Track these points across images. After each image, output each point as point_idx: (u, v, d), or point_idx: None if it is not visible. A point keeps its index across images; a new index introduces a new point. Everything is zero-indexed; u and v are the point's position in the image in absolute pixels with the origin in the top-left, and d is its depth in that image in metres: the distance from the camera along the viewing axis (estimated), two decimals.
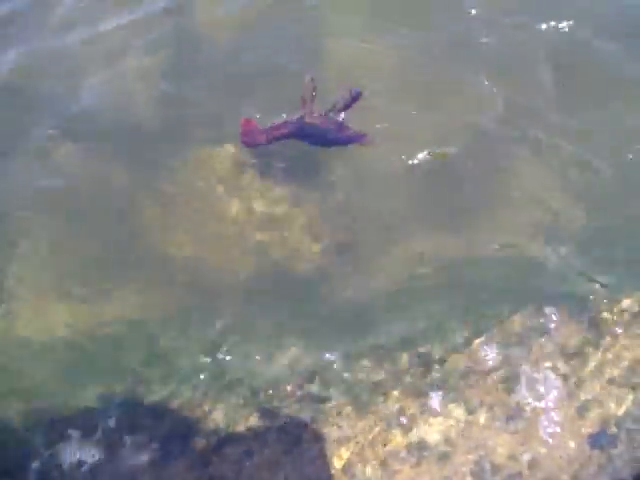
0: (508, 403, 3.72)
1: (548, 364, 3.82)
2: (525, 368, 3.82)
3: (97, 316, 4.12)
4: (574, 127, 4.65)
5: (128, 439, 3.74)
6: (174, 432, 3.77)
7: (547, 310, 3.97)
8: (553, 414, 3.69)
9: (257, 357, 3.95)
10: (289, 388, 3.85)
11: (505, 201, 4.50)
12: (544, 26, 5.15)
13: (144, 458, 3.70)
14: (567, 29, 5.13)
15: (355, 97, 4.54)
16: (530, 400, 3.72)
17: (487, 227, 4.39)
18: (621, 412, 3.68)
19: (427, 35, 5.19)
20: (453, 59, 5.05)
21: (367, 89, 4.59)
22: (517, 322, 3.97)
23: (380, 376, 3.87)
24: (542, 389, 3.75)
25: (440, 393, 3.78)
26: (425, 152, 4.58)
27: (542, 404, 3.71)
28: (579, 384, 3.76)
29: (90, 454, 3.67)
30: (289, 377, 3.89)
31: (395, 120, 4.71)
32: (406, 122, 4.73)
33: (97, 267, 4.30)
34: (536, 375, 3.79)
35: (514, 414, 3.69)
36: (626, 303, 3.98)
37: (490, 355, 3.88)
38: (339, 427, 3.72)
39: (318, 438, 3.69)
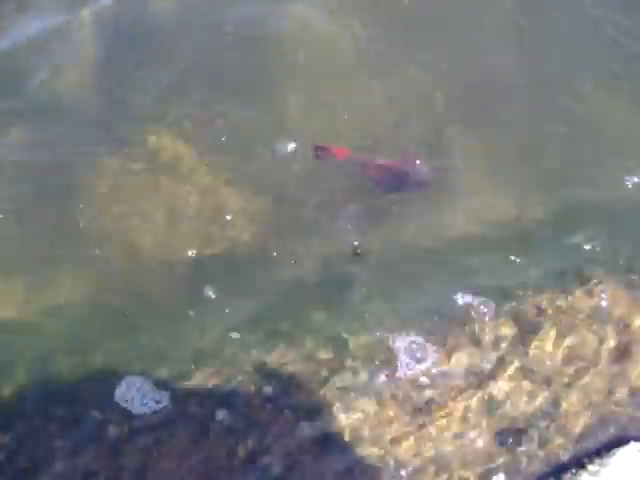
0: (418, 398, 3.67)
1: (461, 358, 3.75)
2: (437, 362, 3.75)
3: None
4: None
5: (40, 426, 3.77)
6: (86, 420, 3.78)
7: (464, 303, 3.88)
8: (462, 410, 3.63)
9: (171, 343, 3.93)
10: (200, 376, 3.83)
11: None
12: None
13: (55, 445, 3.73)
14: None
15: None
16: (440, 395, 3.67)
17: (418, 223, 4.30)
18: (532, 409, 3.61)
19: None
20: None
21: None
22: (435, 314, 3.89)
23: (294, 366, 3.83)
24: (453, 384, 3.69)
25: (351, 385, 3.74)
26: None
27: (453, 399, 3.66)
28: (492, 379, 3.69)
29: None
30: (200, 364, 3.87)
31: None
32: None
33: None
34: (448, 370, 3.73)
35: (423, 409, 3.65)
36: (543, 300, 3.88)
37: (404, 349, 3.81)
38: (247, 417, 3.70)
39: (225, 428, 3.68)
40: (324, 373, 3.77)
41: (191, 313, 3.99)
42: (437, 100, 4.74)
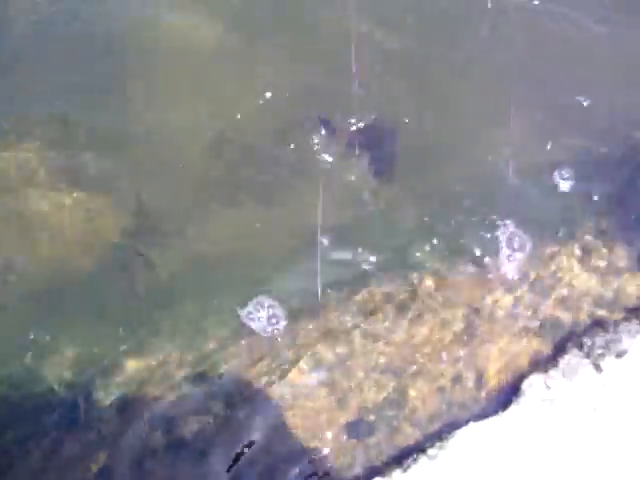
0: (268, 393, 3.67)
1: (312, 350, 3.76)
2: (287, 355, 3.76)
3: None
4: None
5: None
6: None
7: (315, 293, 3.90)
8: (311, 403, 3.64)
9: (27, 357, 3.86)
10: (54, 391, 3.78)
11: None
12: None
13: None
14: None
15: None
16: (290, 388, 3.67)
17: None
18: (381, 399, 3.64)
19: None
20: None
21: None
22: (284, 304, 3.89)
23: (140, 375, 3.79)
24: (303, 377, 3.70)
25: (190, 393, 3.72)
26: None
27: (302, 392, 3.66)
28: (342, 371, 3.71)
29: None
30: (55, 381, 3.81)
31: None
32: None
33: None
34: (299, 363, 3.73)
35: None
36: (391, 289, 3.92)
37: (258, 344, 3.81)
38: (99, 431, 3.66)
39: (78, 442, 3.63)
40: (170, 381, 3.74)
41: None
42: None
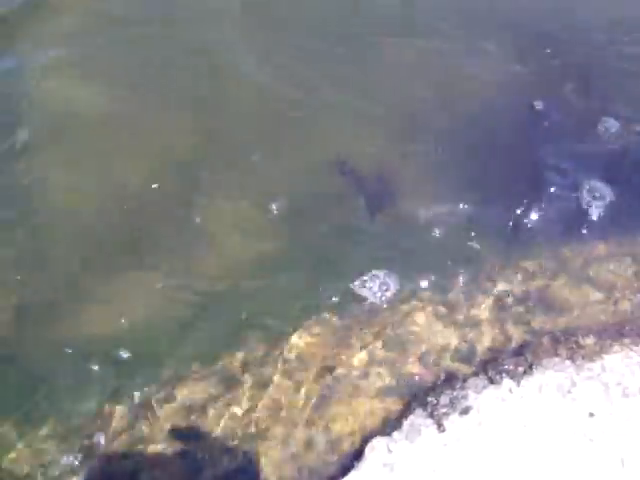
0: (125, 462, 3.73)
1: (176, 424, 3.82)
2: (142, 430, 3.82)
3: None
4: None
5: None
6: None
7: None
8: (166, 473, 3.70)
9: None
10: None
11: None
12: None
13: None
14: None
15: None
16: (146, 458, 3.73)
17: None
18: (233, 466, 3.69)
19: None
20: None
21: None
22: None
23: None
24: (158, 447, 3.76)
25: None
26: None
27: (158, 462, 3.72)
28: (197, 440, 3.77)
29: None
30: None
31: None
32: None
33: None
34: (154, 434, 3.80)
35: None
36: (246, 354, 4.00)
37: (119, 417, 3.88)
38: None
39: None
40: None
41: None
42: None
